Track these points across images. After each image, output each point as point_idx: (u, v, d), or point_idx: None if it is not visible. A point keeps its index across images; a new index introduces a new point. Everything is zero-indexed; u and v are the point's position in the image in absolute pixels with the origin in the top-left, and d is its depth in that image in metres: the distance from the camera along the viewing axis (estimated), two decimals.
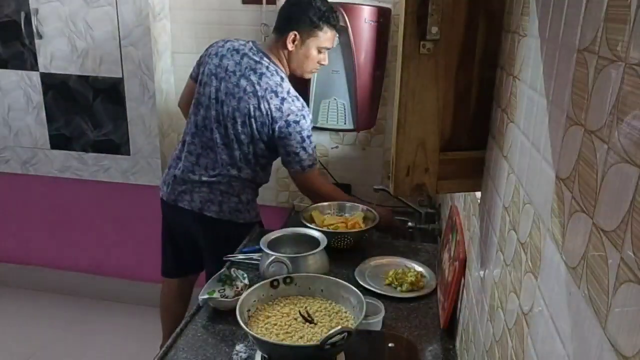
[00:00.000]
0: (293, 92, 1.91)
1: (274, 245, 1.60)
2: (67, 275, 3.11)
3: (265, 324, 1.24)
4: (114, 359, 2.66)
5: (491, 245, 1.00)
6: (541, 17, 0.75)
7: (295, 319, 1.26)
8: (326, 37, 1.91)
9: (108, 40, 2.45)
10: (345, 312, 1.29)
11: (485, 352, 0.99)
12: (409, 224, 2.22)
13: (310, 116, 1.95)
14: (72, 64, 2.53)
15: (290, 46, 1.90)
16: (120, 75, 2.50)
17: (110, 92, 2.54)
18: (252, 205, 2.06)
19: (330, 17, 1.90)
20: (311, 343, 1.16)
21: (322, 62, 1.97)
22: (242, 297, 1.27)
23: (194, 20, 2.49)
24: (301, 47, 1.91)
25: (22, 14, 2.50)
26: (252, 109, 1.88)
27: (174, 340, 1.37)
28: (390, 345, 1.33)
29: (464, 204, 1.44)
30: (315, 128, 2.27)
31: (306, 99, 2.20)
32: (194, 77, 2.08)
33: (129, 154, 2.63)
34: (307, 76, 2.02)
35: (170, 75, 2.58)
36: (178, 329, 1.41)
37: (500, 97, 1.00)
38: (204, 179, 1.98)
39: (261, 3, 2.34)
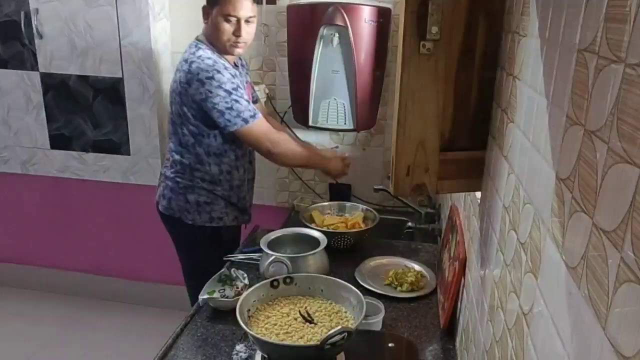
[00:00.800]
0: (206, 55, 1.81)
1: (274, 245, 1.60)
2: (67, 275, 3.11)
3: (265, 324, 1.24)
4: (114, 359, 2.66)
5: (491, 245, 1.00)
6: (541, 17, 0.75)
7: (295, 319, 1.26)
8: (228, 3, 1.79)
9: (108, 40, 2.45)
10: (345, 312, 1.29)
11: (485, 352, 0.99)
12: (409, 224, 2.22)
13: (230, 71, 1.82)
14: (72, 64, 2.53)
15: (205, 21, 1.88)
16: (120, 75, 2.50)
17: (110, 92, 2.54)
18: (205, 209, 1.94)
19: None
20: (311, 343, 1.16)
21: (237, 34, 1.82)
22: (242, 297, 1.27)
23: (194, 20, 2.48)
24: (211, 19, 1.84)
25: (22, 14, 2.50)
26: (173, 84, 1.89)
27: (174, 340, 1.37)
28: (390, 345, 1.33)
29: (464, 204, 1.44)
30: (315, 128, 2.27)
31: (306, 99, 2.20)
32: None
33: (129, 154, 2.63)
34: (231, 51, 1.86)
35: (170, 75, 2.58)
36: (178, 329, 1.42)
37: (500, 97, 1.00)
38: (164, 169, 2.00)
39: (261, 3, 2.34)
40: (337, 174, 2.04)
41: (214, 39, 1.85)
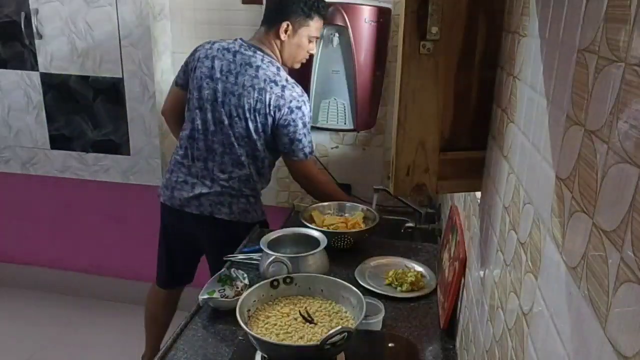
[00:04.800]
0: (291, 79, 1.93)
1: (274, 245, 1.60)
2: (67, 275, 3.11)
3: (265, 324, 1.24)
4: (114, 359, 2.66)
5: (491, 245, 1.00)
6: (541, 17, 0.75)
7: (295, 319, 1.26)
8: (316, 26, 1.94)
9: (108, 40, 2.45)
10: (345, 312, 1.29)
11: (485, 352, 0.99)
12: (409, 224, 2.22)
13: (310, 103, 1.99)
14: (72, 64, 2.53)
15: (282, 36, 1.92)
16: (120, 75, 2.50)
17: (110, 92, 2.54)
18: (259, 204, 2.09)
19: (320, 6, 1.93)
20: (311, 343, 1.16)
21: (311, 52, 2.00)
22: (242, 297, 1.27)
23: (194, 20, 2.49)
24: (293, 37, 1.93)
25: (22, 14, 2.50)
26: (253, 102, 1.89)
27: (174, 340, 1.37)
28: (390, 345, 1.33)
29: (464, 204, 1.44)
30: (315, 128, 2.27)
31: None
32: (180, 84, 2.07)
33: (129, 154, 2.62)
34: (296, 66, 2.03)
35: (170, 75, 2.57)
36: (178, 329, 1.41)
37: (500, 97, 1.00)
38: (213, 182, 1.98)
39: (261, 3, 2.34)
40: None
41: (286, 53, 1.96)
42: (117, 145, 2.62)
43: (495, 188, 1.00)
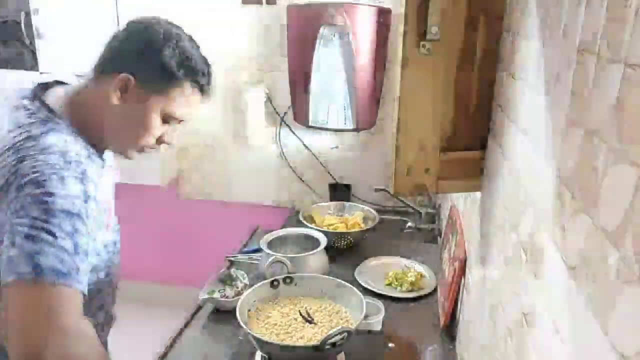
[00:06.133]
0: (59, 147, 0.92)
1: (274, 245, 1.60)
2: None
3: (265, 324, 1.24)
4: (114, 358, 2.66)
5: (491, 245, 1.00)
6: (541, 17, 0.75)
7: (295, 319, 1.26)
8: (183, 100, 1.05)
9: None
10: (345, 312, 1.29)
11: (485, 352, 0.99)
12: (409, 224, 2.22)
13: (92, 179, 0.94)
14: (72, 64, 2.53)
15: (114, 97, 1.02)
16: None
17: None
18: None
19: (199, 71, 1.06)
20: (311, 343, 1.16)
21: (164, 140, 1.10)
22: (242, 297, 1.27)
23: (194, 20, 2.48)
24: (136, 102, 1.03)
25: (22, 14, 2.50)
26: None
27: (174, 340, 1.37)
28: (390, 345, 1.33)
29: (464, 204, 1.44)
30: (315, 128, 2.27)
31: (306, 99, 2.20)
32: None
33: None
34: (130, 155, 1.10)
35: None
36: (178, 329, 1.42)
37: (500, 97, 1.00)
38: None
39: (261, 3, 2.34)
40: None
41: (117, 124, 1.05)
42: None
43: (495, 188, 1.00)
